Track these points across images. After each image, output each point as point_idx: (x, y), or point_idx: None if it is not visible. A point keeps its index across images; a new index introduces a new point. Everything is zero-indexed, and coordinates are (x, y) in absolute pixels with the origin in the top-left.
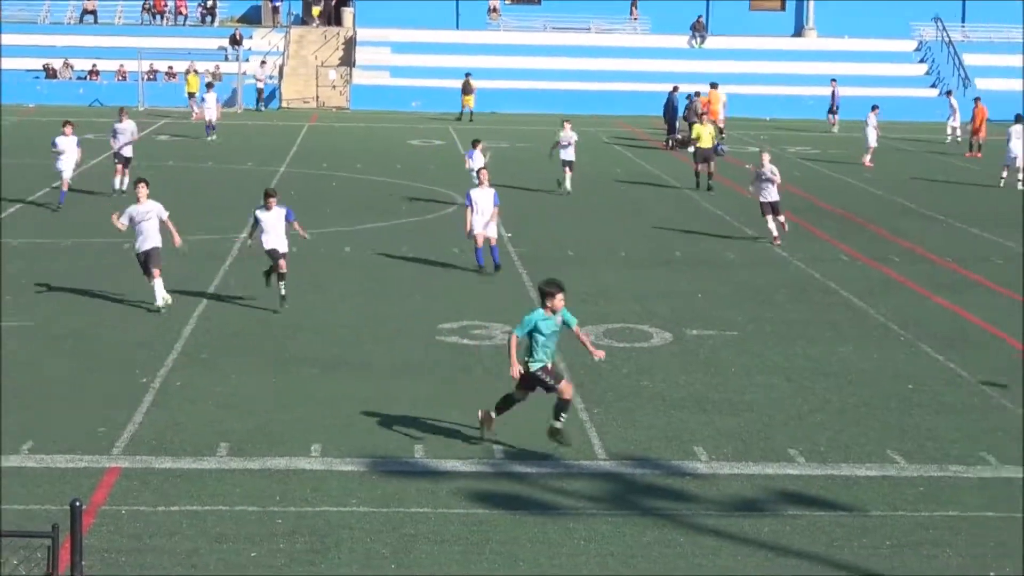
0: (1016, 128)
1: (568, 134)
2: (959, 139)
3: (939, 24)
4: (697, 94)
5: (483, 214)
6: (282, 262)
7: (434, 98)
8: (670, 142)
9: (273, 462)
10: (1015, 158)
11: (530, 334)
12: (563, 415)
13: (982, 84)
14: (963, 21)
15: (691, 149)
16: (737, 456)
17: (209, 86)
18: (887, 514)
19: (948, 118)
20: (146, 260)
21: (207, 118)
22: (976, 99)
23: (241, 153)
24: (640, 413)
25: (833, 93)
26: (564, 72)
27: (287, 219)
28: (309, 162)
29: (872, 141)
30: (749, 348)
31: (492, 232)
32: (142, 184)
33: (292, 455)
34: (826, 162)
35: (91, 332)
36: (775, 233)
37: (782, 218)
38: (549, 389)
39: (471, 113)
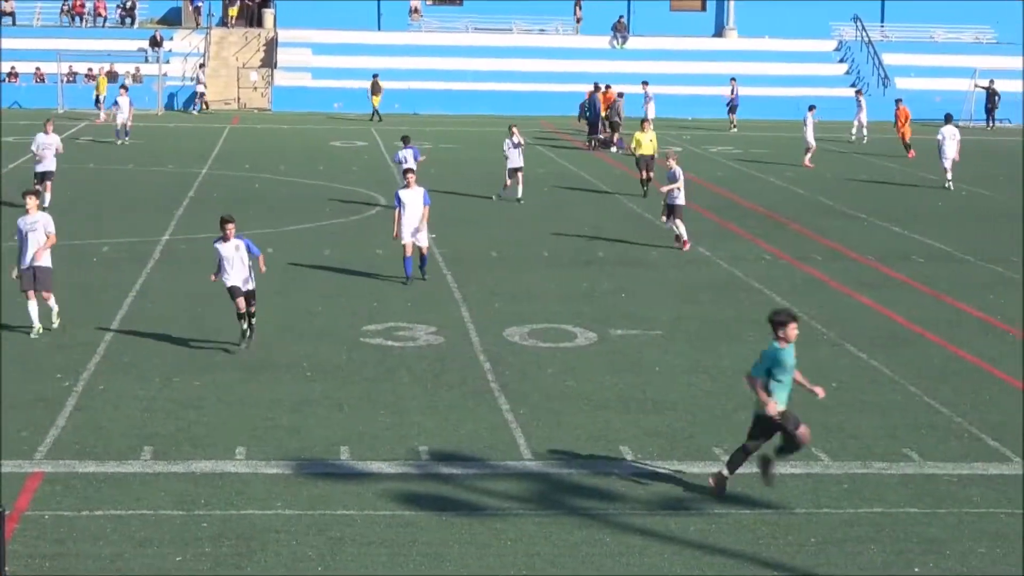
0: (947, 129)
1: (516, 138)
2: (864, 137)
3: (858, 24)
4: (603, 87)
5: (413, 215)
6: (240, 301)
7: (356, 99)
8: (592, 142)
9: (197, 465)
10: (949, 159)
11: (767, 372)
12: (787, 456)
13: (902, 84)
14: (882, 21)
15: (614, 149)
16: (662, 455)
17: (123, 89)
18: (812, 511)
19: (855, 116)
20: (33, 279)
21: (119, 122)
22: (897, 100)
23: (162, 155)
24: (566, 413)
25: (732, 92)
26: (487, 73)
27: (249, 251)
28: (231, 164)
29: (811, 141)
30: (673, 348)
31: (423, 241)
32: (31, 196)
33: (216, 458)
34: (749, 161)
35: (12, 336)
36: (684, 236)
37: (679, 224)
38: (789, 435)
39: (377, 113)
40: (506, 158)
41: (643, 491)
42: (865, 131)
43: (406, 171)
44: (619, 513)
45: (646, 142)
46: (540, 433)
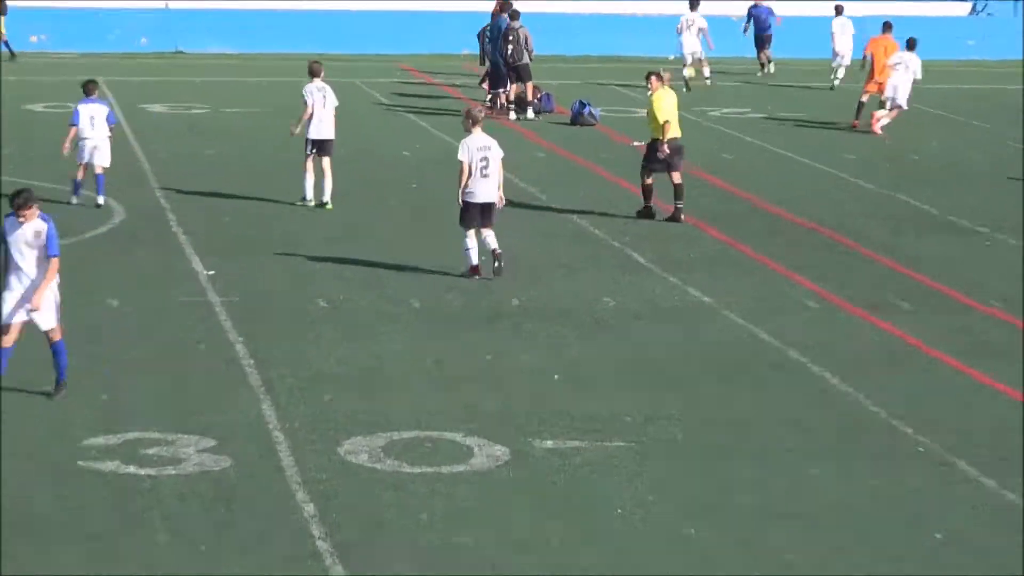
0: None
1: (318, 85)
2: (836, 81)
3: None
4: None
5: (29, 273)
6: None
7: (71, 29)
8: (497, 101)
9: None
10: None
11: None
12: None
13: None
14: None
15: (531, 115)
16: None
17: None
18: None
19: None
20: None
21: None
22: (886, 25)
23: None
24: None
25: (752, 15)
26: None
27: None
28: None
29: (899, 93)
30: (646, 471)
31: (47, 320)
32: None
33: None
34: (776, 132)
35: None
36: (475, 262)
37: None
38: None
39: (9, 49)
40: (308, 121)
41: None
42: (841, 71)
43: (15, 198)
44: None
45: (666, 112)
46: None
